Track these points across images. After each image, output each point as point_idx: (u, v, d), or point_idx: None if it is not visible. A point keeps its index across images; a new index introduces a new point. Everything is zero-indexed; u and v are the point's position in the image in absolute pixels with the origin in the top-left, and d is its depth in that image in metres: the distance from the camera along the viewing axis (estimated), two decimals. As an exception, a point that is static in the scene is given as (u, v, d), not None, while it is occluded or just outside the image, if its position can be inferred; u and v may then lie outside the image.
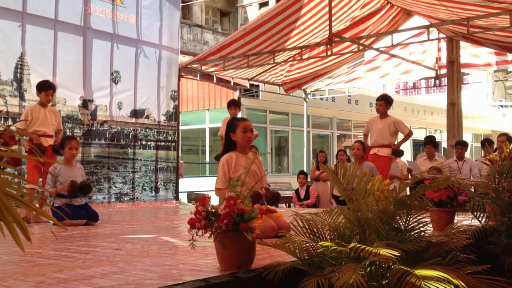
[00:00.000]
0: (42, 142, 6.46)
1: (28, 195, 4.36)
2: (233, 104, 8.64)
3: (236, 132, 4.38)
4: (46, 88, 6.63)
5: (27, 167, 6.72)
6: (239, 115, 9.57)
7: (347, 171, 3.00)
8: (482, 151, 10.18)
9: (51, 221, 6.03)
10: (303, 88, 14.10)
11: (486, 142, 9.39)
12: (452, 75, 10.65)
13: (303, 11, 9.87)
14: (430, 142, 9.25)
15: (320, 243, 2.80)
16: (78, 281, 2.61)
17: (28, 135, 6.45)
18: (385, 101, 8.08)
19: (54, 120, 6.77)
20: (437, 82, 13.61)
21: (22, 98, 8.22)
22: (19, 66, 8.33)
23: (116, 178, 9.72)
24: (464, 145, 9.15)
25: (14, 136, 5.98)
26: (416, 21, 11.49)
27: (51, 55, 8.80)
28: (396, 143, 8.29)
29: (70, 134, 8.83)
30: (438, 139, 9.93)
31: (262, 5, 24.96)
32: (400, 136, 8.37)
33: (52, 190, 6.00)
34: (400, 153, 8.35)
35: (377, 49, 11.34)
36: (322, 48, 10.85)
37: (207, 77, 12.70)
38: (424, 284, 2.29)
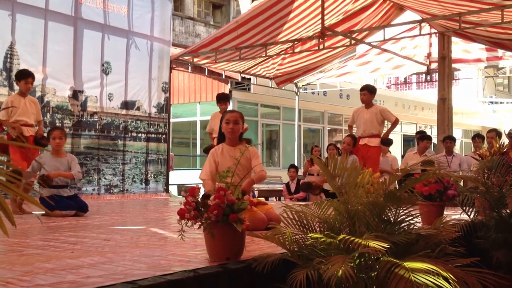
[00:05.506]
0: (23, 132, 6.44)
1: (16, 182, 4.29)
2: (223, 99, 8.64)
3: (222, 124, 4.48)
4: (25, 75, 6.58)
5: (12, 156, 6.62)
6: (229, 108, 9.52)
7: (337, 164, 2.99)
8: (472, 146, 10.23)
9: (32, 213, 6.00)
10: (294, 82, 14.09)
11: (476, 136, 9.44)
12: (443, 71, 10.68)
13: (296, 4, 9.84)
14: (428, 137, 9.24)
15: (310, 235, 2.80)
16: (66, 270, 2.59)
17: (10, 125, 6.42)
18: (368, 91, 8.11)
19: (34, 109, 6.75)
20: (428, 77, 13.64)
21: (11, 88, 8.14)
22: (8, 56, 8.26)
23: (106, 169, 9.67)
24: (452, 139, 9.18)
25: (1, 124, 5.94)
26: (408, 16, 11.50)
27: (41, 45, 8.72)
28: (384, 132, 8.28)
29: (60, 125, 8.78)
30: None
31: (254, -2, 24.87)
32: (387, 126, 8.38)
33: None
34: (390, 142, 8.35)
35: (369, 44, 11.34)
36: (314, 41, 10.83)
37: (198, 69, 12.65)
38: (413, 276, 2.30)
